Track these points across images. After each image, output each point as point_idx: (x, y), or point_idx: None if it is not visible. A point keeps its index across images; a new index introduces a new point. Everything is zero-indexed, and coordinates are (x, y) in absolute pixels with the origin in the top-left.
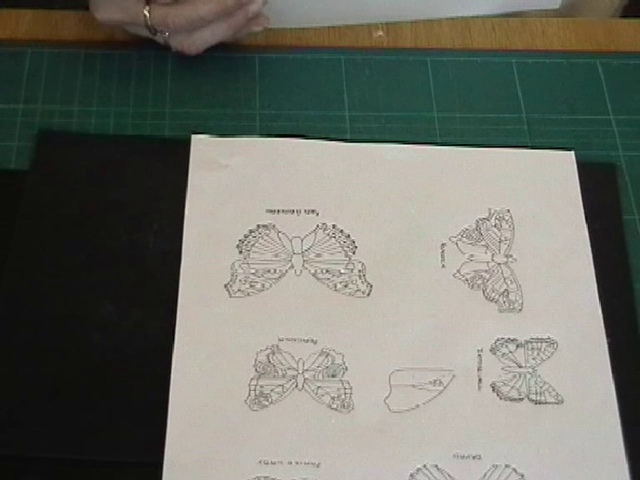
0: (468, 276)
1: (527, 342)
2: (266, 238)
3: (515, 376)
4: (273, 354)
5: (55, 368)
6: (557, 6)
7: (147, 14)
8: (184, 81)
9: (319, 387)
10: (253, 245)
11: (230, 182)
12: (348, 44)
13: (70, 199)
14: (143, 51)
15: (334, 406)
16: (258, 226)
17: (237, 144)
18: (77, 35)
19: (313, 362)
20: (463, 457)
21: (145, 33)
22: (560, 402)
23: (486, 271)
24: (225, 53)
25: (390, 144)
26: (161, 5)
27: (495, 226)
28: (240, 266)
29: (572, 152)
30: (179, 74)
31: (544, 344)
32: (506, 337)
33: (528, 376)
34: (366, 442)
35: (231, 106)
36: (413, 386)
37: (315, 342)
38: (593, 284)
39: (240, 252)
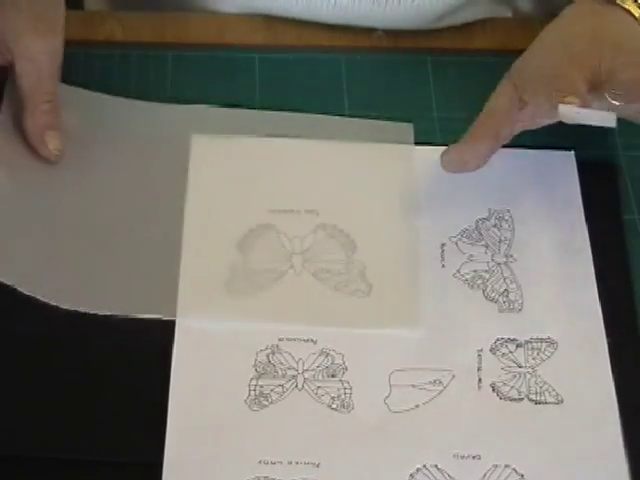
0: (468, 276)
1: (527, 342)
2: (266, 238)
3: (515, 376)
4: (273, 354)
5: (55, 368)
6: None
7: None
8: (184, 81)
9: (319, 387)
10: (253, 245)
11: (230, 182)
12: (348, 44)
13: None
14: (143, 51)
15: (334, 406)
16: (258, 226)
17: (237, 143)
18: (77, 35)
19: (313, 362)
20: (463, 457)
21: None
22: (560, 402)
23: (486, 271)
24: (225, 53)
25: (390, 144)
26: None
27: (495, 226)
28: (240, 266)
29: (572, 152)
30: (179, 74)
31: (544, 344)
32: (506, 337)
33: (528, 376)
34: (366, 442)
35: (231, 106)
36: (413, 386)
37: (315, 342)
38: (593, 284)
39: (240, 252)
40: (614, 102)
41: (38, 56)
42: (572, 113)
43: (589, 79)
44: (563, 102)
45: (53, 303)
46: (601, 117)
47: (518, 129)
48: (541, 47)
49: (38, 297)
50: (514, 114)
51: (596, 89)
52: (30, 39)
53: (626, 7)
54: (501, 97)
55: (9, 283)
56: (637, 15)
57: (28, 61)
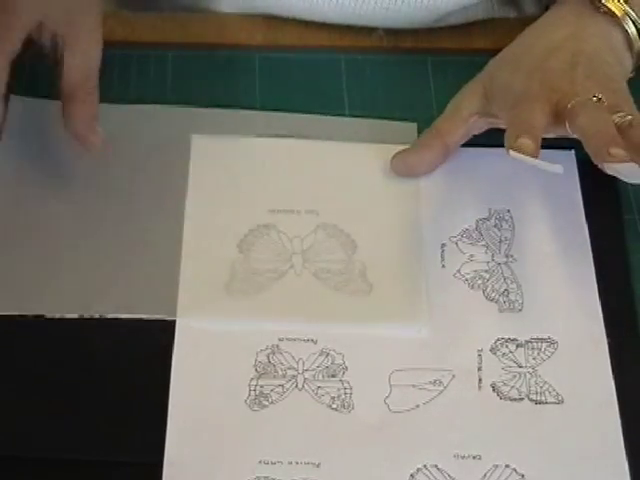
0: (468, 276)
1: (527, 342)
2: (266, 238)
3: (515, 376)
4: (273, 354)
5: (55, 368)
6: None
7: None
8: (184, 81)
9: (319, 387)
10: (253, 245)
11: (230, 182)
12: (348, 44)
13: None
14: (143, 51)
15: (334, 406)
16: (258, 226)
17: (237, 144)
18: None
19: (313, 362)
20: (463, 457)
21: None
22: (560, 402)
23: (486, 271)
24: (225, 53)
25: (390, 144)
26: None
27: (495, 226)
28: (240, 265)
29: (572, 151)
30: (179, 74)
31: (544, 344)
32: (506, 337)
33: (528, 376)
34: (366, 442)
35: (231, 106)
36: (413, 386)
37: (315, 342)
38: (593, 284)
39: (240, 252)
40: (573, 134)
41: (91, 51)
42: (521, 156)
43: (556, 101)
44: (514, 145)
45: (58, 316)
46: (547, 166)
47: (485, 127)
48: (517, 52)
49: (44, 314)
50: (472, 121)
51: (559, 114)
52: (86, 33)
53: (609, 6)
54: (466, 100)
55: (15, 313)
56: (619, 14)
57: (82, 54)
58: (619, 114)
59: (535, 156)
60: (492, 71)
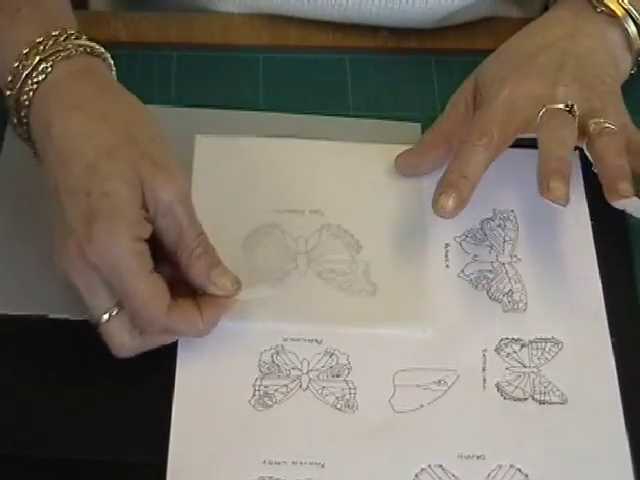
0: (472, 276)
1: (531, 342)
2: (271, 237)
3: (519, 376)
4: (277, 354)
5: (57, 367)
6: None
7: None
8: (188, 81)
9: (323, 387)
10: (257, 244)
11: (234, 182)
12: (352, 44)
13: None
14: (147, 51)
15: (338, 406)
16: (263, 225)
17: (241, 144)
18: None
19: (317, 362)
20: (467, 457)
21: None
22: (564, 402)
23: (490, 271)
24: (230, 53)
25: (394, 144)
26: None
27: (499, 226)
28: (244, 265)
29: (576, 151)
30: (183, 74)
31: (548, 344)
32: (510, 337)
33: (532, 376)
34: (370, 442)
35: (235, 106)
36: (417, 386)
37: (319, 342)
38: (597, 284)
39: (244, 251)
40: None
41: (172, 208)
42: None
43: (540, 94)
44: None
45: (63, 317)
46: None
47: None
48: (510, 48)
49: (48, 315)
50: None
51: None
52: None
53: (610, 6)
54: (461, 96)
55: (18, 314)
56: (620, 14)
57: (163, 217)
58: (595, 120)
59: (486, 165)
60: (484, 65)
